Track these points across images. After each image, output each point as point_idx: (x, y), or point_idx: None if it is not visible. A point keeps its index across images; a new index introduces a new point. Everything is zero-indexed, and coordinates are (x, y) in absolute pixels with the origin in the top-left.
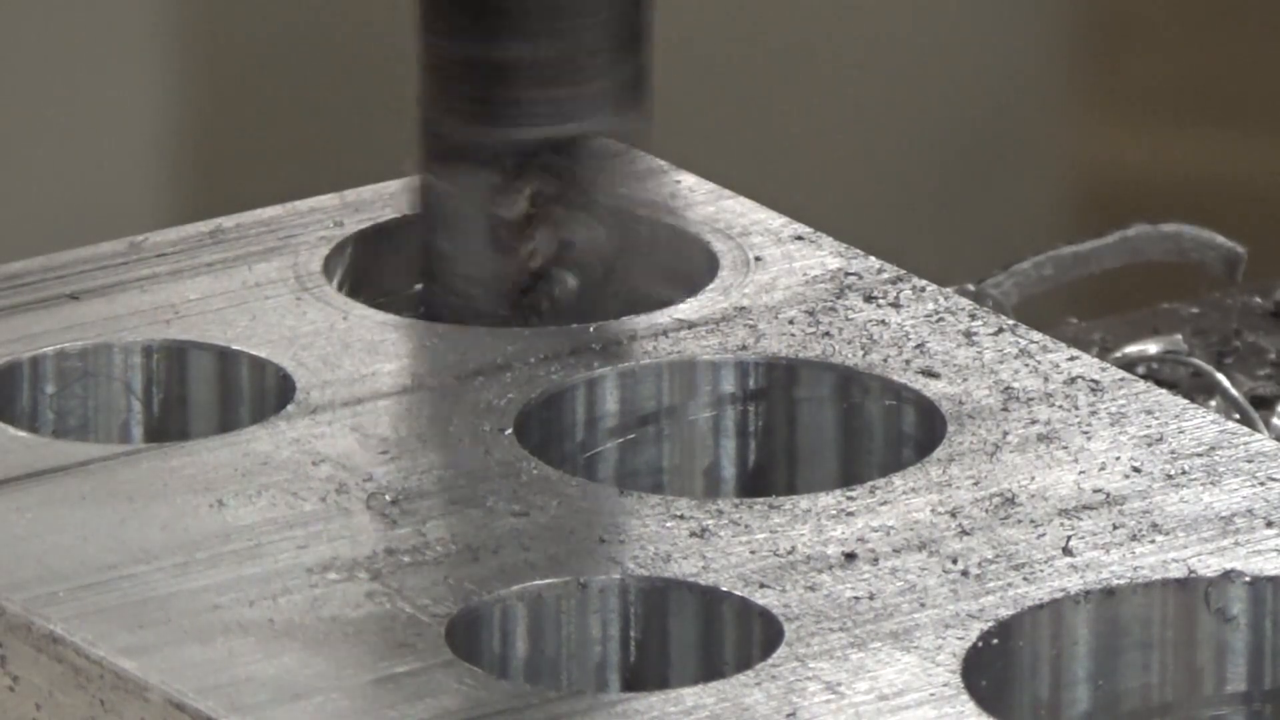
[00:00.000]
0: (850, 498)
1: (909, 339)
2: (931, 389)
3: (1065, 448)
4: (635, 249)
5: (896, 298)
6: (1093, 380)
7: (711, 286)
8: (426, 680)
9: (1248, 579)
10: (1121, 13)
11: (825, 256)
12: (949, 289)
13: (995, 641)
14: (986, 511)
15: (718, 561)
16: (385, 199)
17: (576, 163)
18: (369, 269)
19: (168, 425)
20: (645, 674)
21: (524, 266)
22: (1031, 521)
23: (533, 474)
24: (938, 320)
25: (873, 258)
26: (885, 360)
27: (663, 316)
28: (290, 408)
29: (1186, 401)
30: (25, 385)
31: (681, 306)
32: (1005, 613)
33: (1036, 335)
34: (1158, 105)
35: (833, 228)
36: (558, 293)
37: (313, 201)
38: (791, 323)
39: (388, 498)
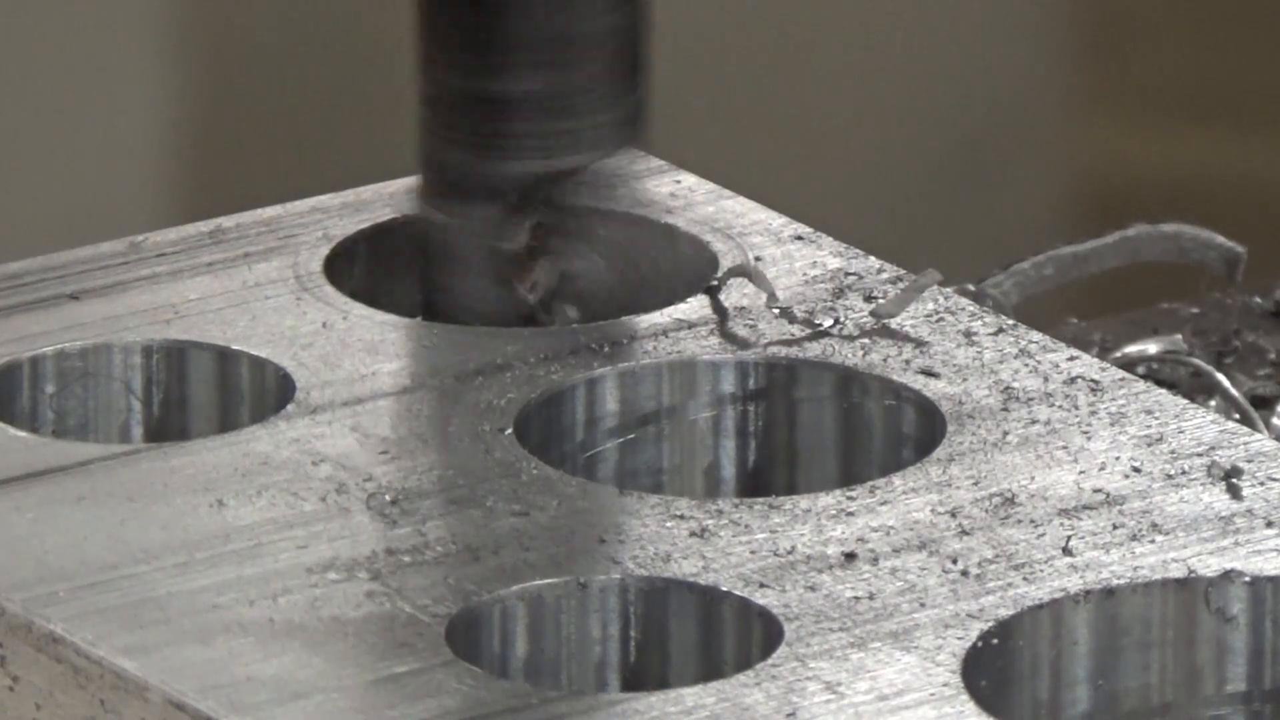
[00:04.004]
0: (850, 498)
1: (909, 339)
2: (931, 389)
3: (1065, 447)
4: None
5: None
6: (1093, 380)
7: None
8: (426, 680)
9: (1248, 579)
10: (1122, 12)
11: (825, 256)
12: (949, 289)
13: (995, 641)
14: (986, 511)
15: (718, 561)
16: (385, 199)
17: (575, 194)
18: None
19: (168, 425)
20: (645, 674)
21: (525, 299)
22: (1031, 521)
23: (533, 474)
24: (938, 320)
25: (873, 258)
26: (885, 360)
27: (662, 316)
28: (290, 408)
29: (1186, 401)
30: (25, 385)
31: (681, 306)
32: (1005, 613)
33: (1036, 335)
34: (1158, 105)
35: (833, 228)
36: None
37: (313, 201)
38: (792, 322)
39: (388, 498)
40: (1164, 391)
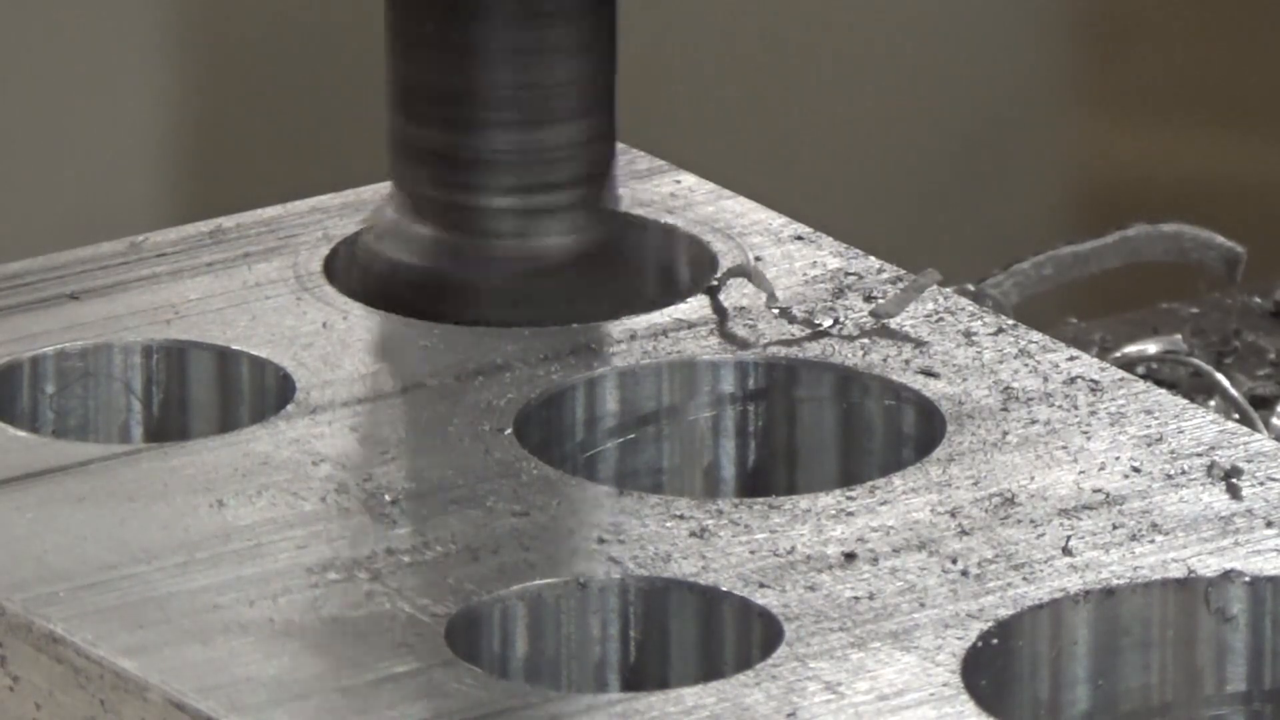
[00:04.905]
0: (850, 498)
1: (909, 339)
2: (931, 389)
3: (1065, 447)
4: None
5: None
6: (1093, 380)
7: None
8: (426, 680)
9: (1247, 579)
10: (1121, 13)
11: (825, 256)
12: (949, 289)
13: (995, 641)
14: (986, 511)
15: (717, 561)
16: (385, 199)
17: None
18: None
19: (168, 425)
20: (645, 674)
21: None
22: (1031, 521)
23: (533, 474)
24: (938, 320)
25: (873, 258)
26: (885, 360)
27: (662, 316)
28: (290, 408)
29: (1186, 401)
30: (25, 385)
31: (681, 306)
32: (1005, 613)
33: (1036, 335)
34: (1158, 105)
35: (833, 228)
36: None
37: (313, 201)
38: (791, 322)
39: (388, 498)
40: (1164, 391)
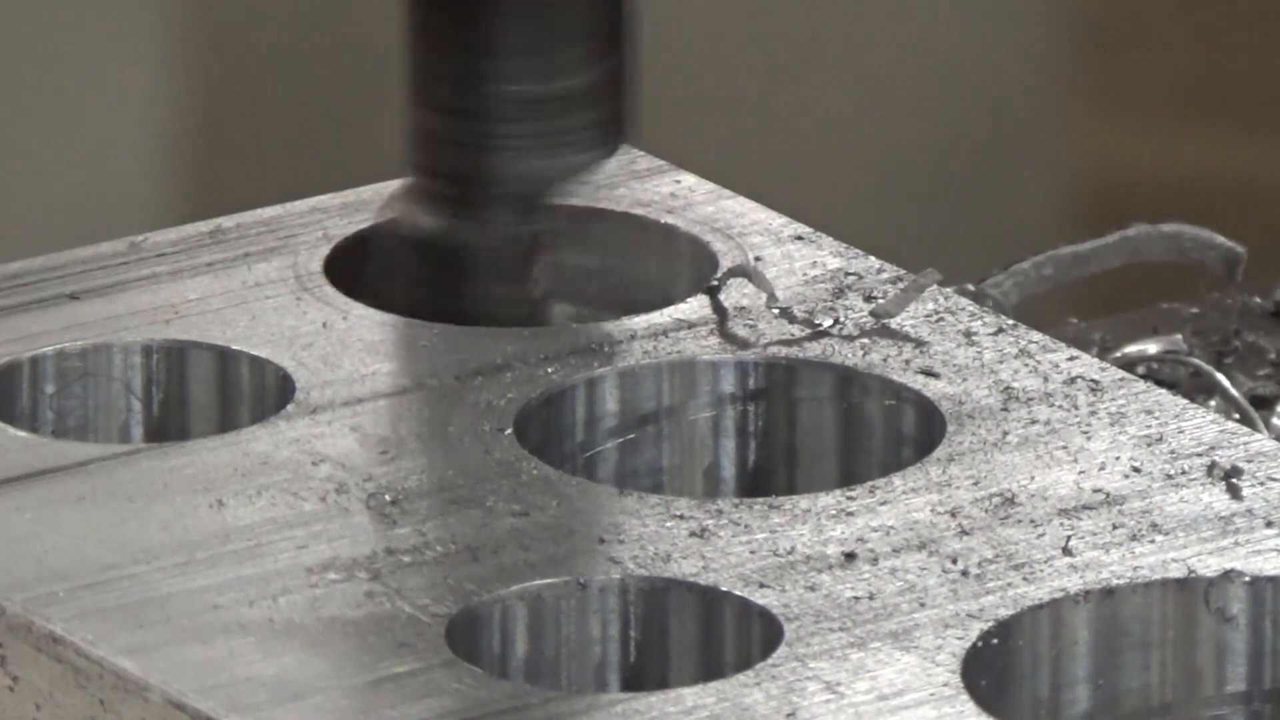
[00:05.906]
0: (850, 498)
1: (909, 339)
2: (931, 389)
3: (1065, 447)
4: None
5: None
6: (1093, 380)
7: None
8: (426, 680)
9: (1247, 579)
10: (1121, 13)
11: (825, 256)
12: (949, 289)
13: (995, 641)
14: (986, 511)
15: (717, 561)
16: (385, 199)
17: (572, 194)
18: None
19: (168, 425)
20: (645, 674)
21: (526, 297)
22: (1031, 521)
23: (533, 474)
24: (938, 320)
25: (873, 258)
26: (885, 360)
27: (662, 316)
28: (290, 408)
29: (1186, 401)
30: (25, 385)
31: (681, 306)
32: (1005, 613)
33: (1036, 335)
34: (1158, 105)
35: (833, 228)
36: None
37: (313, 201)
38: (791, 322)
39: (388, 498)
40: (1164, 391)
